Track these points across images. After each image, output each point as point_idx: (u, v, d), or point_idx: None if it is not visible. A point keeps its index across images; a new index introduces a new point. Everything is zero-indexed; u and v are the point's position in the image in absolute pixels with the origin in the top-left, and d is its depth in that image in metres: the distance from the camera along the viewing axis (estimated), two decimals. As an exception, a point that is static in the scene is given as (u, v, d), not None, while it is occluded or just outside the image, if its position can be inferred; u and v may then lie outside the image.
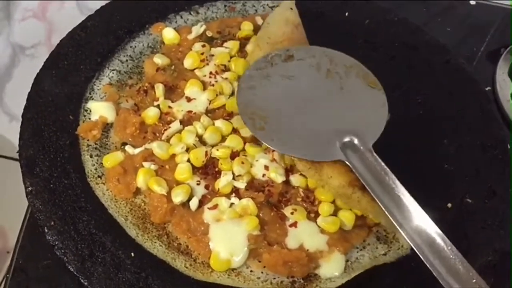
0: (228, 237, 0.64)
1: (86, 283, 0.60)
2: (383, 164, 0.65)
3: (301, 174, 0.70)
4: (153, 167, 0.69)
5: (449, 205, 0.70)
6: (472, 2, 1.07)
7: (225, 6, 0.88)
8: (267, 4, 0.88)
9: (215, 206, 0.66)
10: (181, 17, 0.86)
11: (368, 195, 0.66)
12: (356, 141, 0.67)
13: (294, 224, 0.66)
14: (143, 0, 0.86)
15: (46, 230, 0.63)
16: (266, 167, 0.69)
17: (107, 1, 0.86)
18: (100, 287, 0.60)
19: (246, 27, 0.84)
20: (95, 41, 0.80)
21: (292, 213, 0.67)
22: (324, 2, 0.90)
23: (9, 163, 0.83)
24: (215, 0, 0.88)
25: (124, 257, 0.62)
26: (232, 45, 0.81)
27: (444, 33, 1.00)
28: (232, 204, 0.67)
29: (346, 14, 0.89)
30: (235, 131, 0.73)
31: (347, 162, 0.66)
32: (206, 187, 0.68)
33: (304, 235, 0.66)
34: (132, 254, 0.63)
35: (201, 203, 0.67)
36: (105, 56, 0.79)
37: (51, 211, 0.64)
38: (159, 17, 0.84)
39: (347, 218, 0.67)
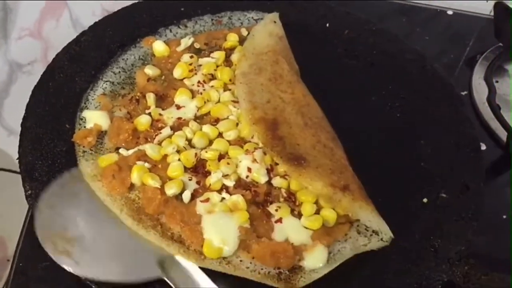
0: (220, 227, 0.68)
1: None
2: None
3: (282, 177, 0.73)
4: (146, 165, 0.73)
5: (425, 200, 0.74)
6: (449, 12, 1.12)
7: (212, 19, 0.92)
8: (252, 17, 0.93)
9: (207, 200, 0.70)
10: (170, 31, 0.90)
11: (349, 195, 0.70)
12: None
13: (280, 220, 0.70)
14: (134, 15, 0.91)
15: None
16: (249, 169, 0.73)
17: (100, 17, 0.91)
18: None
19: (232, 38, 0.88)
20: (89, 55, 0.84)
21: (276, 210, 0.70)
22: (306, 15, 0.95)
23: (7, 175, 0.87)
24: (203, 14, 0.92)
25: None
26: (218, 55, 0.85)
27: (424, 42, 1.05)
28: (223, 198, 0.70)
29: (327, 25, 0.94)
30: (221, 135, 0.77)
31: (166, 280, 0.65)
32: (198, 182, 0.72)
33: (289, 230, 0.69)
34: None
35: (193, 196, 0.71)
36: (98, 69, 0.83)
37: (49, 212, 0.68)
38: (150, 31, 0.89)
39: (329, 217, 0.71)
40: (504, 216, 0.80)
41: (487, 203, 0.74)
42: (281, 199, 0.72)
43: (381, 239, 0.70)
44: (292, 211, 0.71)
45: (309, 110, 0.79)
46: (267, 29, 0.88)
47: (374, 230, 0.70)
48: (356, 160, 0.75)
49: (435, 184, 0.75)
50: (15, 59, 1.02)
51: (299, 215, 0.71)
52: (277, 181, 0.73)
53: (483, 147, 0.87)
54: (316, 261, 0.67)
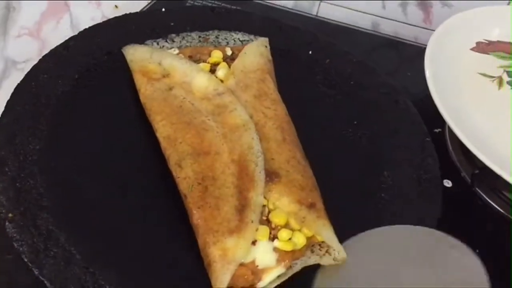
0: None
1: (37, 273, 0.65)
2: None
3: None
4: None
5: (381, 230, 0.75)
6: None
7: (199, 36, 0.95)
8: (239, 38, 0.96)
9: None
10: (158, 43, 0.93)
11: (314, 212, 0.71)
12: None
13: (253, 243, 0.69)
14: (124, 25, 0.94)
15: (6, 223, 0.68)
16: None
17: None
18: (49, 278, 0.65)
19: (216, 55, 0.90)
20: (75, 60, 0.87)
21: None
22: (292, 41, 0.98)
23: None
24: (191, 30, 0.95)
25: (76, 253, 0.68)
26: (203, 67, 0.87)
27: (409, 78, 1.07)
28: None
29: (310, 52, 0.97)
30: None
31: None
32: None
33: (260, 253, 0.69)
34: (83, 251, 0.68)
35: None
36: (82, 74, 0.86)
37: (14, 206, 0.69)
38: (137, 42, 0.91)
39: (299, 240, 0.70)
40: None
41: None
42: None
43: (334, 259, 0.70)
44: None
45: (290, 127, 0.82)
46: (259, 50, 0.91)
47: (328, 250, 0.71)
48: (317, 183, 0.77)
49: (393, 216, 0.77)
50: (11, 56, 1.04)
51: (273, 238, 0.70)
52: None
53: (449, 184, 0.88)
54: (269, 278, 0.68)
